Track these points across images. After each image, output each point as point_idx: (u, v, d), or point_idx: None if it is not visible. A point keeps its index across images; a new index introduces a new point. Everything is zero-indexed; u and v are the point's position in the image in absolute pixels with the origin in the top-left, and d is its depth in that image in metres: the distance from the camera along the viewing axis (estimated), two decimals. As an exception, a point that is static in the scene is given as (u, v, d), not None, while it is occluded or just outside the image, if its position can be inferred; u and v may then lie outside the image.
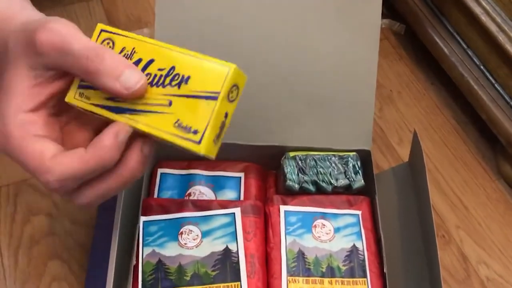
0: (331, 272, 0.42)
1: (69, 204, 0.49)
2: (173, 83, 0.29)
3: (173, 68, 0.30)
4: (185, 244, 0.42)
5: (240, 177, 0.48)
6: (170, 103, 0.29)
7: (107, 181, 0.30)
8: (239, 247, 0.41)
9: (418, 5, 0.62)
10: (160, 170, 0.48)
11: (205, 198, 0.47)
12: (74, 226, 0.48)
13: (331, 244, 0.43)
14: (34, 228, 0.48)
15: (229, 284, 0.40)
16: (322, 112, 0.48)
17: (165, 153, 0.48)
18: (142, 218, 0.43)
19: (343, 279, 0.42)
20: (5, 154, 0.29)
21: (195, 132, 0.28)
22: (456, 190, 0.55)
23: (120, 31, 0.32)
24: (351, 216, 0.45)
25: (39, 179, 0.29)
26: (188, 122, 0.28)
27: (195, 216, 0.43)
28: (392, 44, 0.67)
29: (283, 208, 0.45)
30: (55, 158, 0.29)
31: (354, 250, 0.43)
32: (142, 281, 0.40)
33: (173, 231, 0.42)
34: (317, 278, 0.41)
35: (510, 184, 0.56)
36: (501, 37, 0.52)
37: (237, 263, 0.41)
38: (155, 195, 0.47)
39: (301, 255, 0.42)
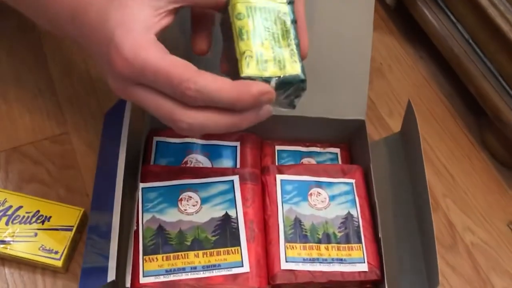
0: (327, 238, 0.43)
1: (63, 172, 0.49)
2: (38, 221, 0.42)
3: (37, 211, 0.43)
4: (185, 210, 0.42)
5: (236, 146, 0.49)
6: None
7: (223, 116, 0.32)
8: (238, 213, 0.42)
9: (410, -23, 0.62)
10: (155, 138, 0.48)
11: (202, 166, 0.47)
12: (69, 193, 0.48)
13: (326, 211, 0.45)
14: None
15: (229, 248, 0.41)
16: (317, 82, 0.48)
17: (159, 121, 0.48)
18: (141, 185, 0.43)
19: (339, 245, 0.43)
20: (126, 67, 0.31)
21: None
22: (442, 160, 0.57)
23: None
24: (345, 184, 0.47)
25: (179, 87, 0.30)
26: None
27: (194, 183, 0.44)
28: (381, 17, 0.68)
29: (279, 177, 0.45)
30: (200, 72, 0.31)
31: (349, 217, 0.45)
32: (143, 246, 0.40)
33: (172, 197, 0.43)
34: (313, 244, 0.43)
35: (493, 154, 0.58)
36: (491, 11, 0.53)
37: (237, 228, 0.41)
38: (152, 163, 0.47)
39: (298, 222, 0.43)
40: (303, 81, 0.33)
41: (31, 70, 0.54)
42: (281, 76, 0.33)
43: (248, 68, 0.32)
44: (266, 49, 0.33)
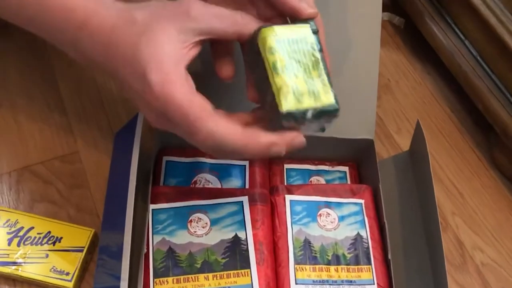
0: (336, 260, 0.43)
1: (74, 191, 0.50)
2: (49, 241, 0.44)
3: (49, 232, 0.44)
4: (195, 232, 0.43)
5: (245, 165, 0.49)
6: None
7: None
8: (248, 235, 0.42)
9: (417, -5, 0.62)
10: (165, 158, 0.49)
11: (211, 186, 0.47)
12: (79, 213, 0.48)
13: (336, 232, 0.45)
14: (38, 214, 0.48)
15: (239, 271, 0.41)
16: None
17: (168, 140, 0.48)
18: (151, 206, 0.43)
19: (348, 266, 0.43)
20: (154, 100, 0.32)
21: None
22: (451, 178, 0.57)
23: (5, 208, 0.45)
24: (355, 204, 0.47)
25: (197, 126, 0.33)
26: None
27: (204, 204, 0.44)
28: (389, 33, 0.68)
29: (288, 197, 0.46)
30: (214, 116, 0.33)
31: (358, 238, 0.45)
32: (153, 268, 0.40)
33: (182, 219, 0.43)
34: (323, 266, 0.43)
35: (503, 172, 0.58)
36: (499, 29, 0.53)
37: (246, 250, 0.42)
38: (161, 183, 0.47)
39: (307, 243, 0.43)
40: (337, 110, 0.35)
41: (41, 89, 0.55)
42: (318, 107, 0.34)
43: (287, 103, 0.34)
44: (300, 82, 0.34)
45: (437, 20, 0.61)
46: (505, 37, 0.53)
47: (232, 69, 0.38)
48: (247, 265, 0.41)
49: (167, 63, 0.32)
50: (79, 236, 0.45)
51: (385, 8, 0.50)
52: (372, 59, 0.49)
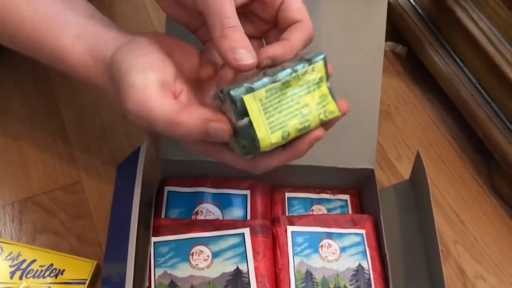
0: (338, 291, 0.43)
1: (76, 222, 0.50)
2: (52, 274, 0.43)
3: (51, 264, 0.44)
4: (196, 264, 0.43)
5: (246, 195, 0.49)
6: None
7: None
8: (250, 268, 0.42)
9: (416, 23, 0.63)
10: (167, 188, 0.49)
11: (212, 216, 0.47)
12: (82, 244, 0.48)
13: (337, 263, 0.45)
14: (40, 246, 0.48)
15: (241, 305, 0.41)
16: (328, 133, 0.49)
17: (170, 170, 0.49)
18: (153, 239, 0.44)
19: (350, 298, 0.43)
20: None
21: None
22: (452, 205, 0.57)
23: (8, 240, 0.45)
24: (356, 235, 0.47)
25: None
26: None
27: (205, 237, 0.44)
28: (389, 59, 0.69)
29: (290, 228, 0.46)
30: (257, 160, 0.34)
31: (360, 269, 0.45)
32: (155, 303, 0.40)
33: (184, 251, 0.43)
34: (325, 298, 0.43)
35: (504, 199, 0.58)
36: (498, 59, 0.54)
37: (248, 283, 0.42)
38: (163, 214, 0.48)
39: (309, 275, 0.43)
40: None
41: (44, 119, 0.55)
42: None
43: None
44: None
45: (436, 47, 0.62)
46: (504, 66, 0.53)
47: (212, 71, 0.37)
48: (249, 299, 0.41)
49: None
50: (81, 268, 0.45)
51: (385, 34, 0.50)
52: (373, 89, 0.50)
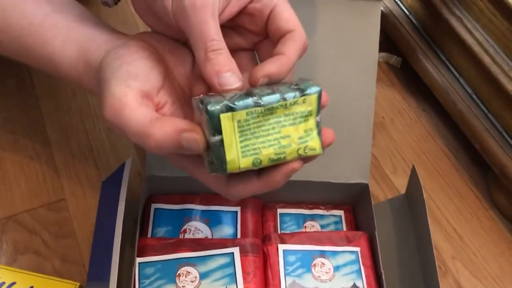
0: (332, 313, 0.41)
1: (60, 241, 0.48)
2: None
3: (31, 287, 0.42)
4: (183, 286, 0.41)
5: (236, 212, 0.48)
6: None
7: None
8: (239, 289, 0.41)
9: (411, 33, 0.62)
10: (154, 206, 0.47)
11: (201, 234, 0.46)
12: (65, 264, 0.47)
13: (331, 283, 0.43)
14: (21, 267, 0.46)
15: (230, 329, 0.39)
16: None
17: (157, 186, 0.47)
18: (138, 260, 0.42)
19: (344, 320, 0.41)
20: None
21: None
22: (450, 219, 0.56)
23: None
24: (350, 253, 0.45)
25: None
26: None
27: (193, 257, 0.42)
28: (383, 70, 0.67)
29: (281, 247, 0.44)
30: (231, 184, 0.33)
31: (354, 289, 0.43)
32: (140, 328, 0.39)
33: (170, 273, 0.41)
34: (318, 320, 0.41)
35: (502, 212, 0.57)
36: (494, 69, 0.52)
37: (237, 306, 0.40)
38: (149, 233, 0.46)
39: (301, 296, 0.42)
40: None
41: (28, 133, 0.54)
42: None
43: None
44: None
45: (431, 58, 0.61)
46: (500, 77, 0.52)
47: (204, 88, 0.35)
48: (238, 323, 0.39)
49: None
50: (63, 291, 0.43)
51: (379, 45, 0.49)
52: (367, 101, 0.48)
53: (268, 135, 0.30)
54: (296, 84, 0.31)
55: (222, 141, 0.29)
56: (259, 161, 0.30)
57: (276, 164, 0.31)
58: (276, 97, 0.30)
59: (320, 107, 0.32)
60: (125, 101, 0.31)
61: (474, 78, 0.57)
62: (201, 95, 0.31)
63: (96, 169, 0.52)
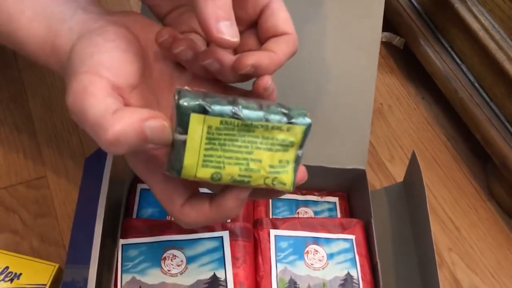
0: (324, 303, 0.39)
1: (39, 220, 0.45)
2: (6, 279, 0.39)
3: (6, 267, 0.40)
4: (169, 270, 0.39)
5: (227, 195, 0.45)
6: None
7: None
8: (228, 275, 0.38)
9: (412, 17, 0.60)
10: (140, 186, 0.45)
11: (189, 217, 0.43)
12: (44, 245, 0.44)
13: (324, 272, 0.41)
14: (-2, 246, 0.44)
15: (217, 317, 0.37)
16: (318, 129, 0.45)
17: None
18: (121, 241, 0.39)
19: (337, 310, 0.39)
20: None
21: None
22: (447, 210, 0.54)
23: None
24: (345, 241, 0.43)
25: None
26: None
27: (180, 240, 0.40)
28: (382, 55, 0.65)
29: (273, 232, 0.42)
30: (184, 209, 0.30)
31: (348, 278, 0.41)
32: (121, 312, 0.36)
33: (155, 256, 0.39)
34: (310, 309, 0.39)
35: (500, 204, 0.55)
36: (499, 55, 0.51)
37: (225, 293, 0.38)
38: (134, 214, 0.44)
39: (292, 284, 0.40)
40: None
41: (10, 107, 0.51)
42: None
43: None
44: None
45: (432, 43, 0.59)
46: (505, 63, 0.50)
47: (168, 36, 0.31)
48: (226, 310, 0.37)
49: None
50: (41, 272, 0.40)
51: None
52: (367, 86, 0.46)
53: (238, 152, 0.27)
54: (288, 109, 0.28)
55: (185, 142, 0.26)
56: (219, 176, 0.27)
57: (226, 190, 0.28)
58: (258, 114, 0.27)
59: (305, 141, 0.28)
60: (91, 90, 0.27)
61: (477, 65, 0.55)
62: (185, 87, 0.28)
63: (80, 146, 0.50)
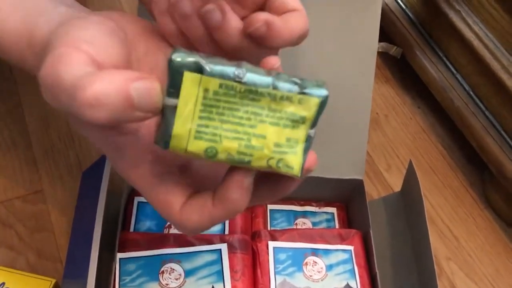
0: (324, 315, 0.39)
1: (35, 235, 0.45)
2: None
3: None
4: (167, 284, 0.38)
5: (225, 207, 0.45)
6: None
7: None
8: (226, 288, 0.38)
9: (407, 27, 0.60)
10: (137, 199, 0.45)
11: (187, 230, 0.43)
12: (41, 260, 0.44)
13: (323, 283, 0.41)
14: (-6, 261, 0.43)
15: (216, 331, 0.36)
16: (315, 140, 0.45)
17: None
18: (119, 255, 0.39)
19: (337, 322, 0.39)
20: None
21: None
22: (445, 219, 0.54)
23: None
24: (343, 252, 0.43)
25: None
26: None
27: (178, 253, 0.40)
28: (377, 64, 0.65)
29: (271, 244, 0.42)
30: (184, 212, 0.25)
31: (348, 289, 0.41)
32: (119, 328, 0.36)
33: (153, 269, 0.39)
34: (309, 322, 0.39)
35: (498, 213, 0.55)
36: (494, 65, 0.51)
37: (224, 306, 0.37)
38: (132, 227, 0.43)
39: (292, 296, 0.39)
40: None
41: (6, 121, 0.51)
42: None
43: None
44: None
45: (427, 53, 0.59)
46: (500, 73, 0.50)
47: None
48: (225, 324, 0.37)
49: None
50: (38, 288, 0.40)
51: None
52: (364, 96, 0.46)
53: (239, 124, 0.23)
54: (300, 79, 0.23)
55: (176, 107, 0.22)
56: (214, 152, 0.23)
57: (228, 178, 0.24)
58: (266, 80, 0.22)
59: (318, 117, 0.23)
60: (66, 59, 0.23)
61: (472, 74, 0.55)
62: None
63: (77, 160, 0.49)
